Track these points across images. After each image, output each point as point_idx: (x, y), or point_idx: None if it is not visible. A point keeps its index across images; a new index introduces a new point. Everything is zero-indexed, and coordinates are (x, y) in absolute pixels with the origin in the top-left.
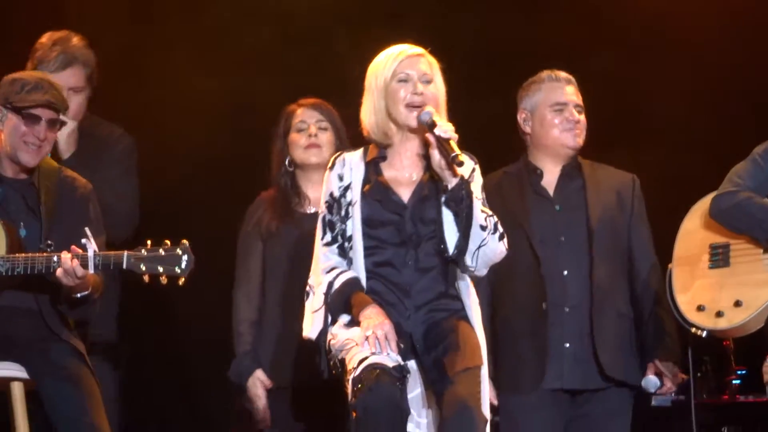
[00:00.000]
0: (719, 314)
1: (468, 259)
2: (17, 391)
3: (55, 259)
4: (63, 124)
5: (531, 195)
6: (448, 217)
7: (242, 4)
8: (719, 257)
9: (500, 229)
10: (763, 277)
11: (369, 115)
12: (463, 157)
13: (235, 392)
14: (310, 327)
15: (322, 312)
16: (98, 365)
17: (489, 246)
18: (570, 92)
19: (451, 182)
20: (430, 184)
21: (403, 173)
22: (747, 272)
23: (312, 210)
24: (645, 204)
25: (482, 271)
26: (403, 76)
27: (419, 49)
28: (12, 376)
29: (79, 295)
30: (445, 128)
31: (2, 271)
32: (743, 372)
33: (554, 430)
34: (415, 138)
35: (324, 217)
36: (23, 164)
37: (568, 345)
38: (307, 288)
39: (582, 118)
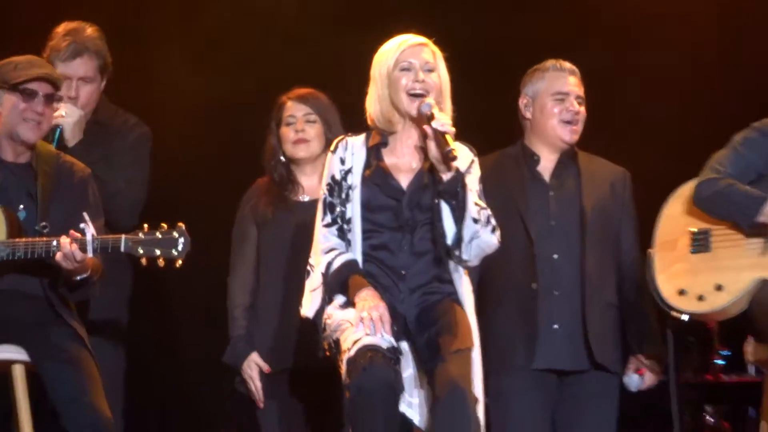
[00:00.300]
0: (701, 298)
1: (464, 253)
2: (18, 373)
3: (54, 243)
4: (60, 99)
5: (527, 178)
6: (445, 208)
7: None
8: (700, 242)
9: (493, 222)
10: (744, 262)
11: (374, 103)
12: (460, 151)
13: (229, 375)
14: (309, 306)
15: (319, 291)
16: (105, 348)
17: (482, 238)
18: (572, 83)
19: (447, 175)
20: (430, 173)
21: (404, 160)
22: (728, 257)
23: (306, 198)
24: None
25: (475, 262)
26: (406, 64)
27: (422, 39)
28: (13, 358)
29: (78, 277)
30: (443, 122)
31: (3, 256)
32: (727, 353)
33: (543, 411)
34: (418, 127)
35: (325, 199)
36: (24, 140)
37: (557, 326)
38: (308, 267)
39: (582, 109)
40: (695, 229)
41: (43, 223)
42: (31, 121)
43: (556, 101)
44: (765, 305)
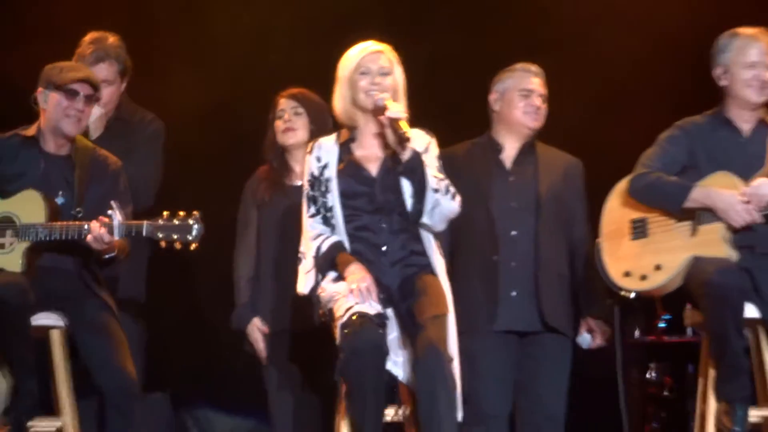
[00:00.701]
0: (643, 278)
1: (426, 219)
2: (56, 338)
3: (86, 227)
4: (98, 100)
5: (492, 165)
6: (406, 184)
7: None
8: (639, 230)
9: (452, 190)
10: (677, 243)
11: (338, 101)
12: (416, 135)
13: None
14: (304, 284)
15: (313, 272)
16: (126, 320)
17: (442, 205)
18: (536, 83)
19: (405, 155)
20: (392, 158)
21: (371, 151)
22: (663, 240)
23: (299, 183)
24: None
25: (440, 227)
26: (365, 69)
27: (380, 46)
28: (52, 324)
29: (107, 256)
30: (395, 110)
31: (42, 236)
32: (668, 316)
33: (505, 366)
34: (375, 119)
35: (308, 194)
36: (66, 134)
37: (514, 294)
38: (299, 254)
39: (543, 106)
40: (634, 219)
41: (78, 209)
42: (73, 117)
43: (521, 96)
44: (696, 278)
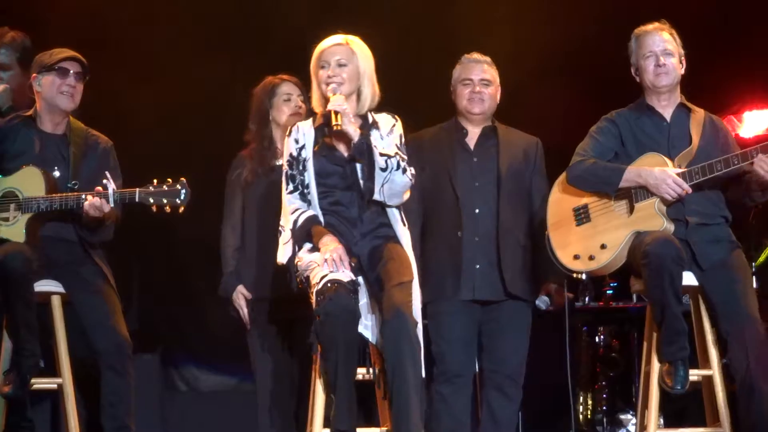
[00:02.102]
0: (591, 258)
1: (377, 196)
2: (56, 303)
3: (83, 197)
4: (86, 76)
5: (457, 148)
6: (358, 167)
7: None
8: (582, 216)
9: (403, 165)
10: (618, 223)
11: (313, 90)
12: (382, 119)
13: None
14: (283, 254)
15: (290, 243)
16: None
17: (393, 181)
18: (478, 70)
19: (354, 139)
20: (359, 146)
21: (344, 136)
22: (605, 222)
23: (281, 161)
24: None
25: (392, 201)
26: (323, 63)
27: (340, 39)
28: (53, 290)
29: (94, 223)
30: (334, 102)
31: (43, 207)
32: (615, 284)
33: (469, 331)
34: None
35: (287, 172)
36: (62, 110)
37: (478, 266)
38: (279, 227)
39: (487, 90)
40: (576, 207)
41: (74, 182)
42: (66, 94)
43: (464, 86)
44: (636, 250)
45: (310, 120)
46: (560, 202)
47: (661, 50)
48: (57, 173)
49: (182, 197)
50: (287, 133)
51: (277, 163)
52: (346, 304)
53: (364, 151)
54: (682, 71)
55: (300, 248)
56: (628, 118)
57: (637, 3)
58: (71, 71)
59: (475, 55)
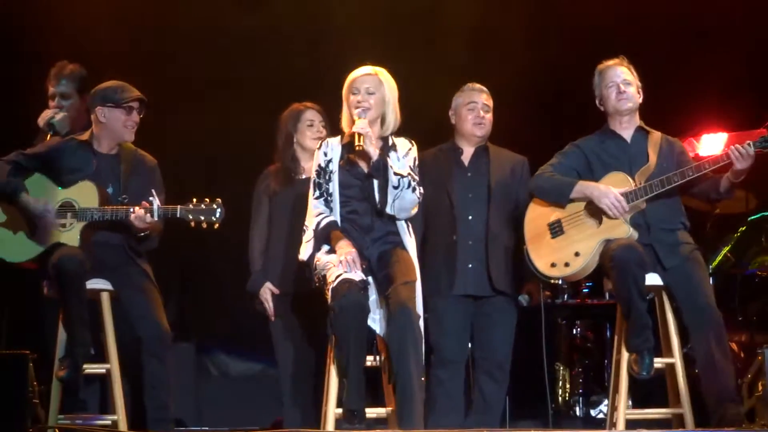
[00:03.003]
0: (566, 265)
1: (388, 209)
2: (105, 298)
3: (131, 210)
4: (142, 112)
5: (453, 165)
6: (374, 183)
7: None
8: (556, 229)
9: (413, 184)
10: (589, 233)
11: (342, 112)
12: (400, 143)
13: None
14: (305, 252)
15: (312, 242)
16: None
17: (404, 198)
18: (481, 98)
19: (373, 158)
20: (378, 165)
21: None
22: (578, 233)
23: (304, 176)
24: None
25: (401, 215)
26: (354, 89)
27: (370, 70)
28: (102, 288)
29: (143, 233)
30: (358, 125)
31: (96, 217)
32: (590, 284)
33: (462, 322)
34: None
35: (314, 180)
36: (126, 140)
37: (470, 266)
38: (303, 227)
39: (488, 116)
40: (550, 222)
41: (124, 196)
42: (130, 128)
43: (469, 110)
44: (605, 255)
45: (339, 137)
46: (535, 219)
47: (621, 80)
48: (110, 189)
49: (217, 215)
50: (318, 147)
51: (301, 178)
52: (356, 300)
53: (380, 169)
54: (640, 100)
55: (320, 248)
56: (594, 142)
57: (609, 38)
58: (134, 110)
59: (477, 85)
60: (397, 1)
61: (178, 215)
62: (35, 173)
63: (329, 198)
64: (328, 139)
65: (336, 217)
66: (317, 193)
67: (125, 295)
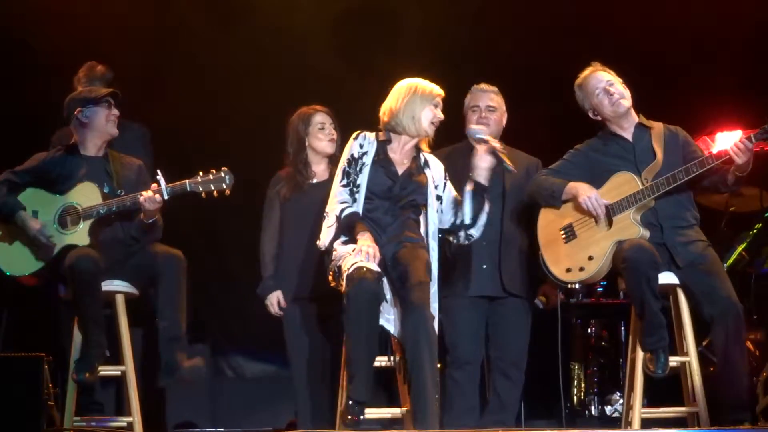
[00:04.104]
0: (581, 269)
1: (475, 231)
2: (120, 300)
3: (138, 195)
4: (117, 107)
5: (467, 166)
6: (468, 201)
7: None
8: (568, 234)
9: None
10: (601, 235)
11: (398, 114)
12: (435, 163)
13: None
14: (325, 238)
15: (333, 228)
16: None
17: (483, 220)
18: (485, 98)
19: (487, 181)
20: (411, 170)
21: (399, 157)
22: (589, 236)
23: (315, 181)
24: None
25: (479, 232)
26: (437, 102)
27: (441, 92)
28: (117, 290)
29: (149, 221)
30: (496, 145)
31: (102, 212)
32: (605, 283)
33: (477, 323)
34: (414, 140)
35: (344, 168)
36: (111, 134)
37: (485, 267)
38: (325, 213)
39: (492, 116)
40: (562, 227)
41: (120, 191)
42: (112, 121)
43: (472, 112)
44: (617, 257)
45: (374, 133)
46: (547, 225)
47: (605, 83)
48: (106, 189)
49: (227, 182)
50: (353, 137)
51: (312, 182)
52: (370, 287)
53: (483, 192)
54: (629, 95)
55: (337, 237)
56: (596, 144)
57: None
58: (112, 102)
59: (483, 85)
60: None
61: (188, 189)
62: (27, 188)
63: (355, 189)
64: (364, 132)
65: (358, 209)
66: (344, 181)
67: (144, 287)
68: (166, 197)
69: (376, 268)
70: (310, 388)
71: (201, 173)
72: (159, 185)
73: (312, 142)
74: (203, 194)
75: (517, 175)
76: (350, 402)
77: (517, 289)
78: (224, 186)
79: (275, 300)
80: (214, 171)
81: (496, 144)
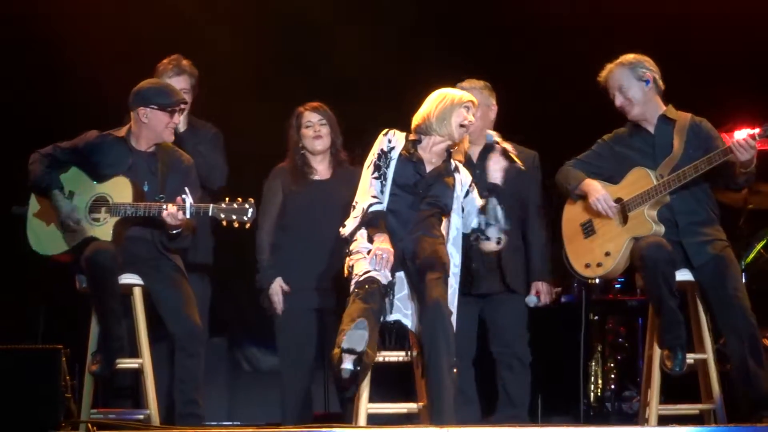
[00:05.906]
0: (599, 265)
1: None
2: (137, 293)
3: (164, 206)
4: (183, 111)
5: (465, 161)
6: (493, 202)
7: None
8: (588, 229)
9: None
10: (617, 232)
11: (430, 117)
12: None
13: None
14: (349, 228)
15: (358, 219)
16: (197, 279)
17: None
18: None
19: (503, 183)
20: (440, 170)
21: (428, 155)
22: (607, 232)
23: (317, 177)
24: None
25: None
26: (467, 106)
27: (473, 97)
28: (135, 283)
29: (175, 231)
30: (507, 146)
31: (129, 213)
32: (622, 279)
33: (471, 319)
34: (445, 141)
35: (374, 161)
36: (165, 140)
37: (483, 264)
38: (354, 202)
39: (472, 115)
40: (582, 222)
41: (161, 195)
42: (170, 129)
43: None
44: (634, 254)
45: (404, 133)
46: (570, 220)
47: (613, 95)
48: (146, 187)
49: (249, 215)
50: (383, 133)
51: (315, 179)
52: (375, 304)
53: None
54: (647, 87)
55: (360, 229)
56: (623, 135)
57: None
58: (177, 112)
59: (464, 83)
60: None
61: (210, 214)
62: (71, 167)
63: (384, 181)
64: (395, 129)
65: (384, 200)
66: (376, 174)
67: (157, 289)
68: (188, 216)
69: (387, 278)
70: (296, 382)
71: (227, 199)
72: (184, 202)
73: (304, 142)
74: (224, 222)
75: (523, 170)
76: (343, 351)
77: (518, 284)
78: (245, 219)
79: (278, 287)
80: (239, 200)
81: (507, 146)
